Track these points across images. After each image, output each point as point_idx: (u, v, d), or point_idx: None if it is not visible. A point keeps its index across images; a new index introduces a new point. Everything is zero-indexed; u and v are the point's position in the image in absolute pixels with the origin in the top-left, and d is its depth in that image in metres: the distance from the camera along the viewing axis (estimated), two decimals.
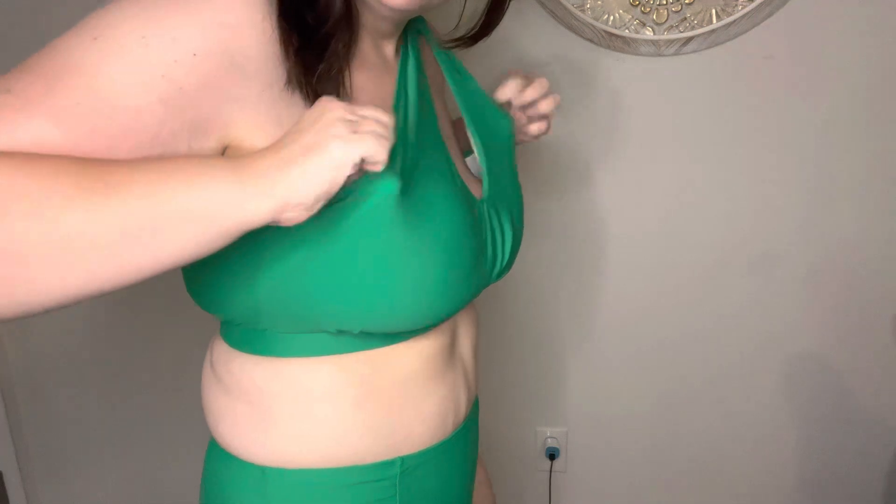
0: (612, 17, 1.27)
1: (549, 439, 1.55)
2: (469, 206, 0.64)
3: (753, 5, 1.23)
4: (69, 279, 0.44)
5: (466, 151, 0.78)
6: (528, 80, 0.80)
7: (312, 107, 0.51)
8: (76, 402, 1.54)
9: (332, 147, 0.47)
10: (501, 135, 0.76)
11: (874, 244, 1.39)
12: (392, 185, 0.54)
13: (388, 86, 0.66)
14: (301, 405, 0.63)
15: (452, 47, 0.81)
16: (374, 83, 0.64)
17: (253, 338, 0.64)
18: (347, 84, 0.59)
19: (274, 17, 0.53)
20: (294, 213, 0.48)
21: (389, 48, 0.68)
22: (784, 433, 1.52)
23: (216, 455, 0.72)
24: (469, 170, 0.74)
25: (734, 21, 1.24)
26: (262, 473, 0.65)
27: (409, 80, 0.67)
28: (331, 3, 0.56)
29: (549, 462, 1.54)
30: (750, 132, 1.34)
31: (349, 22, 0.59)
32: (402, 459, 0.65)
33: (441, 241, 0.58)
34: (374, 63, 0.65)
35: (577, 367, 1.51)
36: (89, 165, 0.45)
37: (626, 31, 1.27)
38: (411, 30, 0.72)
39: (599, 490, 1.59)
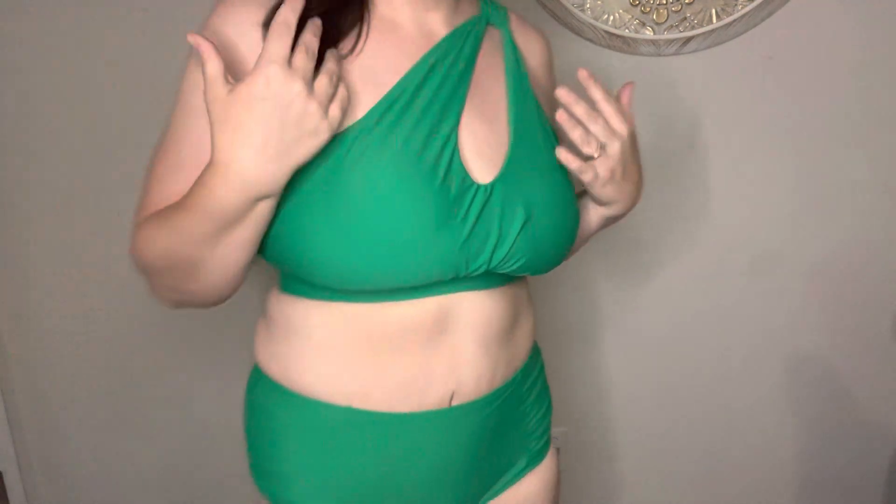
0: (612, 17, 1.27)
1: None
2: (437, 183, 0.68)
3: (753, 5, 1.23)
4: (207, 267, 0.69)
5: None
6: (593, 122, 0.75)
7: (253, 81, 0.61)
8: (76, 402, 1.54)
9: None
10: (537, 139, 0.78)
11: (874, 244, 1.39)
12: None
13: (413, 55, 0.72)
14: (299, 337, 0.75)
15: None
16: (395, 49, 0.72)
17: (283, 280, 0.78)
18: (354, 40, 0.70)
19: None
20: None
21: (434, 22, 0.75)
22: (784, 433, 1.52)
23: (254, 372, 0.84)
24: (487, 151, 0.75)
25: (734, 21, 1.24)
26: (275, 388, 0.78)
27: (444, 58, 0.73)
28: None
29: None
30: (750, 132, 1.34)
31: None
32: (361, 412, 0.74)
33: (367, 206, 0.65)
34: (407, 32, 0.73)
35: (576, 367, 1.50)
36: (171, 207, 0.68)
37: (626, 31, 1.27)
38: (492, 17, 0.80)
39: (599, 490, 1.59)
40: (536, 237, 0.73)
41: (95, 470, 1.59)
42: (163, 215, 0.68)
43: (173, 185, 0.69)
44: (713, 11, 1.25)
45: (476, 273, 0.72)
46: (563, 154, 0.73)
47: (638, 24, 1.27)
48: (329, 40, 0.66)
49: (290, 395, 0.76)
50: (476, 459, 0.80)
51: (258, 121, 0.60)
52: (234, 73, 0.65)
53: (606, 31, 1.27)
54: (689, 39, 1.27)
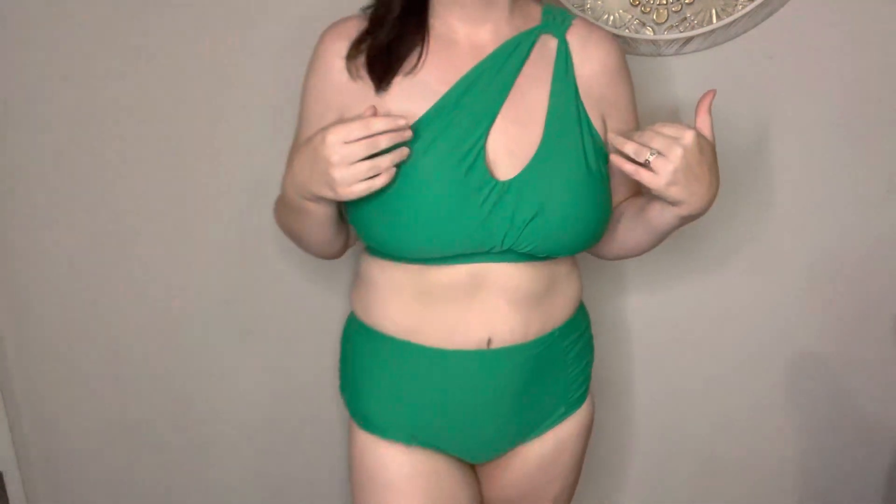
0: (612, 17, 1.27)
1: None
2: (460, 179, 0.85)
3: (753, 5, 1.23)
4: (303, 237, 0.99)
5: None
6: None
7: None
8: (76, 402, 1.54)
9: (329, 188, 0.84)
10: (572, 141, 0.90)
11: (874, 244, 1.39)
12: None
13: (463, 68, 0.89)
14: (374, 286, 0.97)
15: None
16: (449, 63, 0.90)
17: (367, 247, 1.00)
18: (414, 59, 0.89)
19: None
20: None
21: (482, 34, 0.91)
22: (784, 433, 1.52)
23: (350, 314, 1.05)
24: (516, 150, 0.89)
25: (734, 21, 1.24)
26: (361, 326, 1.00)
27: (490, 69, 0.89)
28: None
29: None
30: (750, 132, 1.34)
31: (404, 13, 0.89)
32: (416, 346, 0.93)
33: (415, 197, 0.85)
34: (460, 48, 0.91)
35: None
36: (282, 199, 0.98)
37: (626, 31, 1.27)
38: (550, 27, 0.94)
39: (600, 490, 1.59)
40: (547, 228, 0.87)
41: (95, 470, 1.59)
42: (282, 195, 0.97)
43: None
44: (713, 11, 1.25)
45: (496, 251, 0.88)
46: (616, 159, 0.85)
47: (638, 24, 1.27)
48: (396, 61, 0.89)
49: (368, 329, 0.98)
50: (516, 399, 0.96)
51: (303, 154, 0.85)
52: (326, 87, 0.93)
53: None
54: (689, 39, 1.27)
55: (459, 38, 0.91)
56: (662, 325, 1.47)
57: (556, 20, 0.95)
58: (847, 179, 1.35)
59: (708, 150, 0.85)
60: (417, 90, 0.88)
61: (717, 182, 0.87)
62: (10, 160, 1.38)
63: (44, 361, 1.51)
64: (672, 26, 1.27)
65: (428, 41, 0.90)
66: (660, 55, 1.29)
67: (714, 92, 0.89)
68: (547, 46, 0.93)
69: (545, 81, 0.91)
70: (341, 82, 0.91)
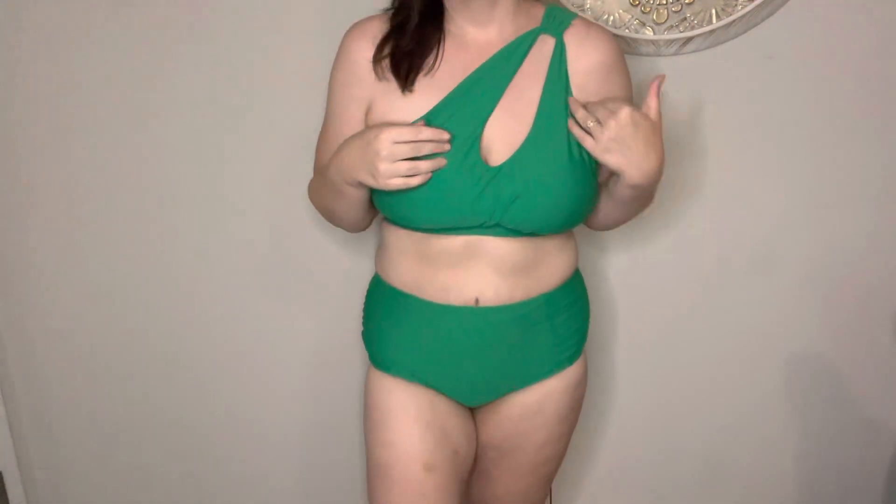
0: (612, 17, 1.27)
1: None
2: (458, 163, 0.98)
3: (753, 5, 1.23)
4: (337, 215, 1.13)
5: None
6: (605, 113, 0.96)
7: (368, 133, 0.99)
8: (76, 402, 1.54)
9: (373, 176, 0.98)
10: (559, 132, 1.00)
11: (874, 244, 1.39)
12: None
13: (471, 67, 1.02)
14: (388, 248, 1.12)
15: None
16: (459, 62, 1.02)
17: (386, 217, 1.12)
18: (432, 60, 1.02)
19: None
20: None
21: (488, 35, 1.03)
22: (784, 433, 1.52)
23: (374, 274, 1.18)
24: (509, 139, 1.01)
25: (734, 21, 1.24)
26: (379, 281, 1.16)
27: (493, 67, 1.02)
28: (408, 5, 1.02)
29: None
30: (750, 132, 1.34)
31: (423, 17, 1.02)
32: (419, 300, 1.08)
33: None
34: (470, 49, 1.03)
35: None
36: (319, 174, 1.14)
37: (626, 31, 1.27)
38: (549, 28, 1.04)
39: (600, 490, 1.59)
40: (529, 208, 1.00)
41: (95, 470, 1.59)
42: (317, 176, 1.15)
43: (325, 155, 1.10)
44: (713, 11, 1.25)
45: (486, 225, 1.01)
46: (571, 124, 0.99)
47: (638, 24, 1.27)
48: (419, 64, 1.01)
49: (382, 283, 1.13)
50: (502, 352, 1.09)
51: (354, 144, 1.00)
52: (352, 80, 1.06)
53: None
54: (689, 39, 1.27)
55: (468, 39, 1.03)
56: (662, 325, 1.47)
57: (556, 21, 1.05)
58: (847, 179, 1.35)
59: (644, 126, 0.95)
60: (434, 87, 1.02)
61: (657, 156, 0.97)
62: (11, 160, 1.38)
63: (44, 361, 1.51)
64: (672, 26, 1.27)
65: (444, 43, 1.03)
66: (660, 55, 1.29)
67: (663, 76, 0.98)
68: (545, 46, 1.04)
69: (540, 78, 1.02)
70: (366, 78, 1.04)
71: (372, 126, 1.01)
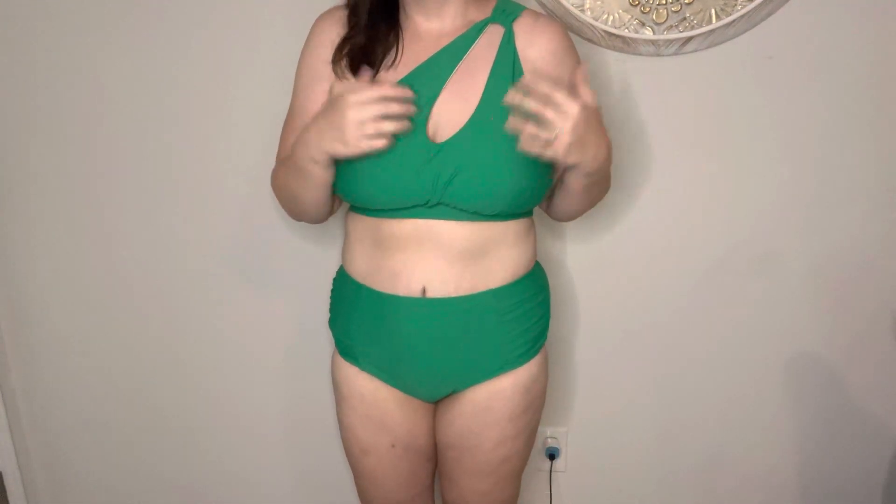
0: (611, 17, 1.27)
1: (549, 439, 1.55)
2: (406, 140, 1.00)
3: (753, 5, 1.23)
4: (300, 200, 1.10)
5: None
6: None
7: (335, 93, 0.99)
8: (76, 402, 1.54)
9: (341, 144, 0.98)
10: (503, 115, 0.97)
11: (874, 244, 1.39)
12: None
13: (428, 55, 1.05)
14: (348, 237, 1.15)
15: None
16: (415, 54, 1.06)
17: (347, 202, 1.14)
18: (393, 55, 1.06)
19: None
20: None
21: (440, 26, 1.07)
22: (784, 433, 1.52)
23: (340, 266, 1.20)
24: (455, 119, 1.03)
25: (734, 21, 1.24)
26: (341, 272, 1.19)
27: (444, 54, 1.05)
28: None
29: (549, 462, 1.55)
30: (750, 132, 1.34)
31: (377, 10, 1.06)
32: (370, 289, 1.10)
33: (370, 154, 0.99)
34: (424, 41, 1.07)
35: (576, 367, 1.50)
36: (283, 162, 1.12)
37: (626, 31, 1.27)
38: (499, 18, 1.07)
39: (599, 490, 1.59)
40: (468, 186, 1.02)
41: (95, 469, 1.59)
42: (281, 162, 1.13)
43: (289, 142, 1.09)
44: (713, 11, 1.25)
45: (431, 204, 1.03)
46: (524, 144, 0.94)
47: (637, 24, 1.27)
48: (374, 61, 1.05)
49: (344, 273, 1.16)
50: (449, 346, 1.10)
51: (318, 116, 1.00)
52: (317, 62, 1.08)
53: (606, 31, 1.27)
54: (688, 39, 1.27)
55: (422, 31, 1.07)
56: (663, 324, 1.47)
57: (506, 12, 1.09)
58: (847, 179, 1.35)
59: (591, 116, 0.94)
60: (394, 80, 1.05)
61: (605, 141, 0.99)
62: (11, 160, 1.38)
63: (44, 361, 1.51)
64: (672, 26, 1.27)
65: (402, 38, 1.07)
66: (659, 55, 1.29)
67: (586, 64, 0.98)
68: (494, 34, 1.07)
69: (488, 63, 1.06)
70: (329, 62, 1.07)
71: (333, 97, 1.00)
